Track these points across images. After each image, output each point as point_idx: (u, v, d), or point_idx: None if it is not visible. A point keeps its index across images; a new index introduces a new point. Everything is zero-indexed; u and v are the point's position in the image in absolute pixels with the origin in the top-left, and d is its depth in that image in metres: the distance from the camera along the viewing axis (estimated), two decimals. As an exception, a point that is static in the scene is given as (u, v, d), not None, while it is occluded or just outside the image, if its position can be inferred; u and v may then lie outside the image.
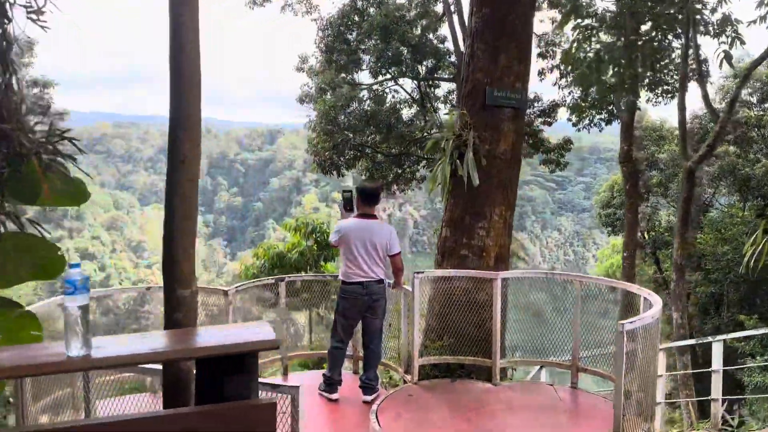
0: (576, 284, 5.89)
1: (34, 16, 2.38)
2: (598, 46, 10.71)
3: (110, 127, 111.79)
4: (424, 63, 16.73)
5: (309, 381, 6.33)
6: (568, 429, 5.24)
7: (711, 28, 12.95)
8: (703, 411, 11.48)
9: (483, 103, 6.39)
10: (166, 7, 2.60)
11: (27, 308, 2.84)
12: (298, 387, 3.58)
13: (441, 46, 16.43)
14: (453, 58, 15.96)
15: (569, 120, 17.87)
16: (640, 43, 13.34)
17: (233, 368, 2.43)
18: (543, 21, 20.41)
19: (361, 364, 6.29)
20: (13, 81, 2.48)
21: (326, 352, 6.15)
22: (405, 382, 6.13)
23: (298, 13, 16.46)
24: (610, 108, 17.03)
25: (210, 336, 2.53)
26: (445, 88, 17.54)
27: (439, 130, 6.62)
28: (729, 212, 18.59)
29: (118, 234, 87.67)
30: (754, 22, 9.48)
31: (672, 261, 13.50)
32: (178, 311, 2.71)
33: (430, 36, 16.46)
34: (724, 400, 7.18)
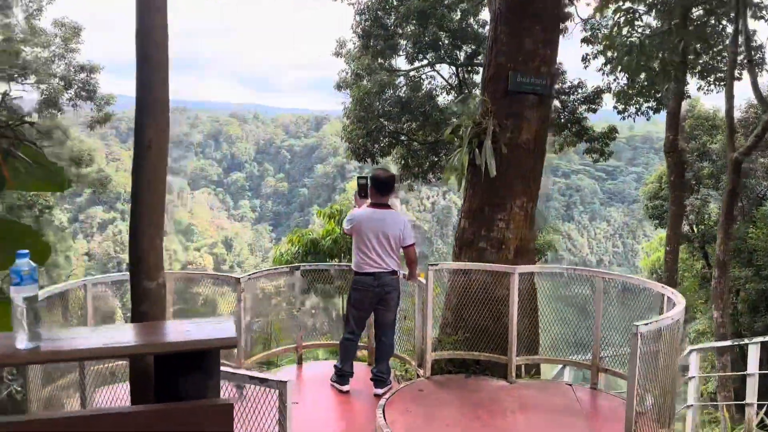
0: (598, 281, 5.62)
1: None
2: (642, 30, 10.25)
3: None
4: (464, 48, 16.38)
5: (324, 371, 6.23)
6: (582, 432, 5.01)
7: (766, 12, 12.25)
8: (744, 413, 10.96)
9: (505, 89, 6.12)
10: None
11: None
12: (285, 382, 3.48)
13: (482, 30, 16.03)
14: (493, 44, 15.53)
15: (615, 108, 17.27)
16: (690, 28, 12.74)
17: (191, 366, 2.33)
18: (589, 4, 19.70)
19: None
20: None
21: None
22: (418, 376, 5.98)
23: (337, -3, 16.29)
24: (658, 96, 16.37)
25: (167, 331, 2.43)
26: (484, 74, 17.12)
27: (457, 117, 6.39)
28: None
29: (168, 217, 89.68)
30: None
31: (714, 257, 12.90)
32: (144, 304, 2.62)
33: (471, 20, 16.08)
34: (761, 405, 6.78)
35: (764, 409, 6.98)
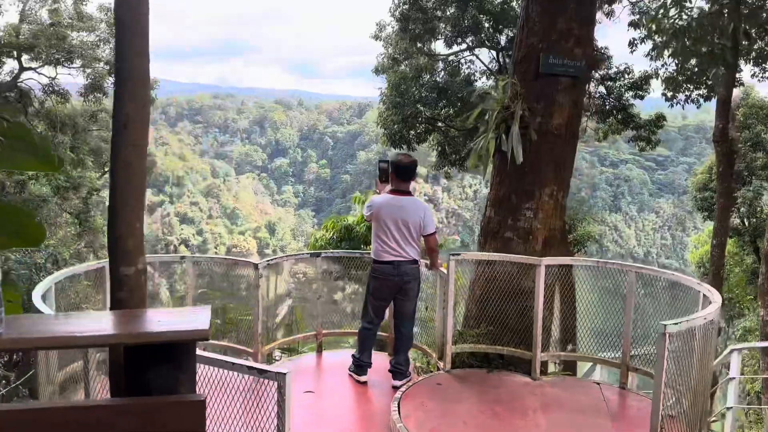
0: (630, 275, 5.31)
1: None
2: (692, 13, 9.70)
3: (209, 98, 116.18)
4: (505, 32, 15.91)
5: (344, 360, 6.09)
6: (607, 434, 4.74)
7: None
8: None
9: (536, 71, 5.81)
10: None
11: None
12: (285, 374, 3.31)
13: (524, 14, 15.52)
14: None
15: (663, 95, 16.57)
16: (746, 12, 12.02)
17: (161, 358, 2.18)
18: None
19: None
20: None
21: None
22: (438, 369, 5.79)
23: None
24: (709, 83, 15.60)
25: (138, 321, 2.30)
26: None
27: (483, 100, 6.11)
28: None
29: (215, 201, 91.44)
30: None
31: (762, 252, 12.25)
32: (122, 290, 2.49)
33: (512, 2, 15.61)
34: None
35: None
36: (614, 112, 15.90)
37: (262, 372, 3.40)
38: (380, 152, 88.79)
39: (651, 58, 15.70)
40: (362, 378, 5.72)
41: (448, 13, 14.95)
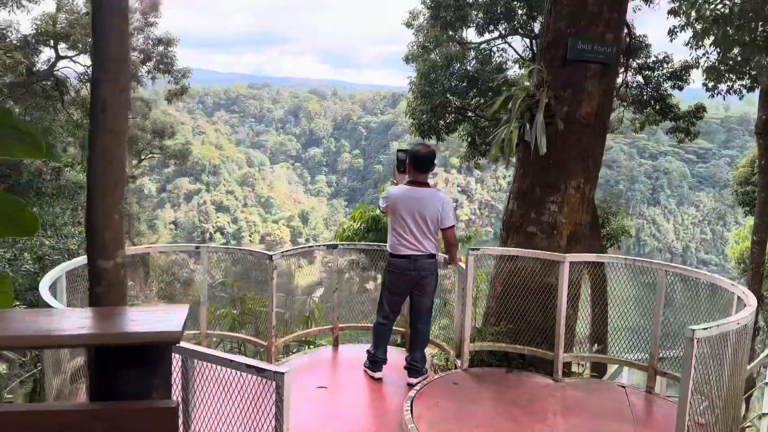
0: (660, 274, 5.02)
1: None
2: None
3: (245, 87, 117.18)
4: (539, 19, 15.47)
5: (361, 355, 5.93)
6: (631, 441, 4.48)
7: None
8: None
9: (564, 57, 5.51)
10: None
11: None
12: (283, 373, 3.16)
13: (559, 0, 15.07)
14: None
15: (704, 85, 15.93)
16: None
17: (129, 361, 2.04)
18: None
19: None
20: None
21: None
22: (456, 367, 5.58)
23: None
24: (753, 73, 14.93)
25: (108, 320, 2.16)
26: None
27: (507, 87, 5.84)
28: None
29: (250, 190, 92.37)
30: None
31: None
32: (99, 285, 2.35)
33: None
34: None
35: None
36: (652, 102, 15.37)
37: (260, 371, 3.26)
38: (413, 143, 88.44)
39: (691, 47, 15.10)
40: (377, 374, 5.56)
41: (480, -1, 14.62)
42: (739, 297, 4.21)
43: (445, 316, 6.10)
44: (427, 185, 5.28)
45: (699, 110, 15.63)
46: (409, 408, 4.71)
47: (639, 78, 15.71)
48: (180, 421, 3.58)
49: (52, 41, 20.32)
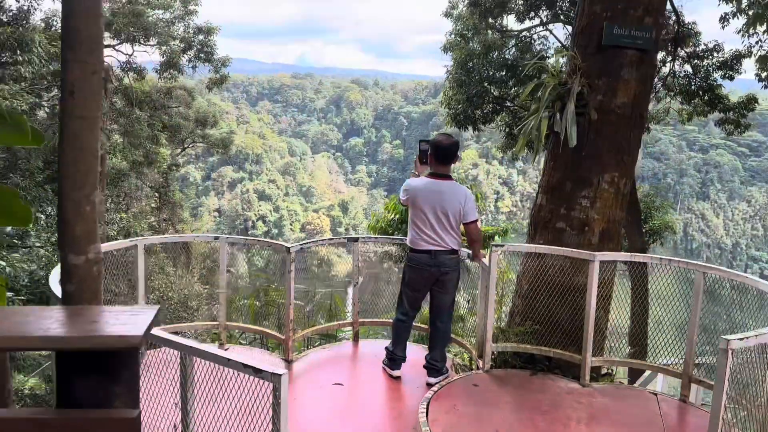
0: (698, 275, 4.67)
1: None
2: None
3: (288, 77, 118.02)
4: (582, 6, 14.93)
5: (381, 351, 5.74)
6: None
7: None
8: None
9: (599, 42, 5.16)
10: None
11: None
12: (280, 375, 2.99)
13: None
14: None
15: (757, 75, 15.15)
16: None
17: (89, 367, 1.88)
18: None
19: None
20: None
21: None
22: (478, 368, 5.35)
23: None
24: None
25: (67, 322, 2.01)
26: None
27: (538, 75, 5.53)
28: None
29: (291, 179, 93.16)
30: None
31: None
32: (70, 283, 2.21)
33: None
34: None
35: None
36: (700, 93, 14.69)
37: (257, 371, 3.09)
38: (454, 133, 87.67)
39: (744, 35, 14.35)
40: (395, 372, 5.37)
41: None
42: (783, 304, 3.87)
43: (474, 314, 5.85)
44: (449, 178, 5.04)
45: (750, 102, 14.88)
46: (425, 410, 4.50)
47: (687, 67, 15.04)
48: (179, 419, 3.46)
49: (95, 30, 20.62)
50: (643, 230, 14.23)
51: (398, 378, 5.36)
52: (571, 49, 5.41)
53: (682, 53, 15.04)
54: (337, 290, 8.43)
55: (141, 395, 3.61)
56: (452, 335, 5.95)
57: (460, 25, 15.18)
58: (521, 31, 15.48)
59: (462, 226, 5.06)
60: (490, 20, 15.12)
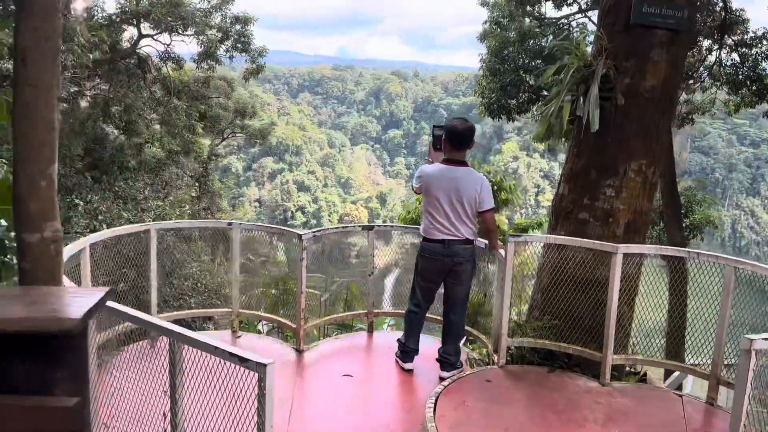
0: (728, 271, 4.36)
1: None
2: None
3: (329, 69, 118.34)
4: (623, -8, 14.39)
5: (395, 342, 5.57)
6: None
7: None
8: None
9: (627, 21, 4.86)
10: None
11: None
12: (266, 365, 2.85)
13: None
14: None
15: (811, 64, 14.39)
16: None
17: (22, 351, 1.77)
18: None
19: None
20: None
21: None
22: (493, 363, 5.13)
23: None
24: None
25: (7, 303, 1.89)
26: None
27: (561, 56, 5.25)
28: None
29: (330, 170, 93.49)
30: None
31: None
32: (24, 261, 2.11)
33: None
34: None
35: None
36: (748, 82, 14.03)
37: (243, 360, 2.95)
38: (495, 126, 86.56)
39: (797, 20, 13.62)
40: (407, 365, 5.20)
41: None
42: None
43: (488, 307, 5.64)
44: (464, 164, 4.82)
45: (803, 91, 14.13)
46: (433, 405, 4.33)
47: (734, 56, 14.39)
48: (168, 408, 3.36)
49: (134, 20, 20.86)
50: (683, 225, 13.69)
51: (410, 371, 5.19)
52: (597, 29, 5.11)
53: (729, 41, 14.40)
54: (377, 282, 8.25)
55: (135, 383, 3.52)
56: (471, 328, 5.75)
57: (497, 12, 14.80)
58: (559, 18, 15.02)
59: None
60: (528, 7, 14.71)
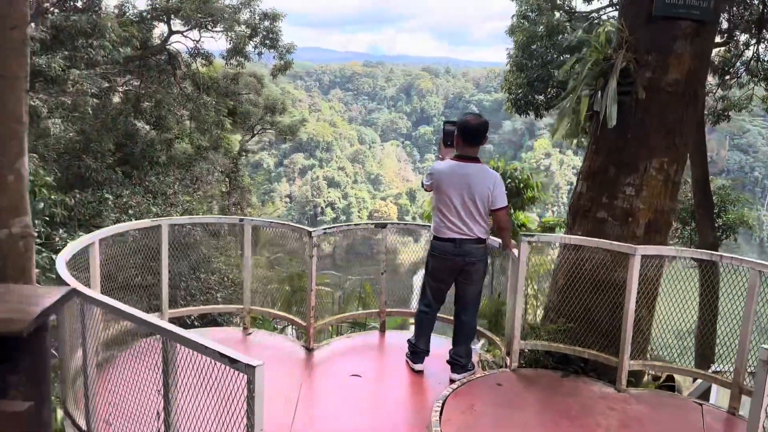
0: (752, 274, 4.14)
1: None
2: None
3: (360, 66, 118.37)
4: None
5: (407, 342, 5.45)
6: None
7: None
8: None
9: (650, 13, 4.65)
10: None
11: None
12: (255, 367, 2.77)
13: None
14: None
15: None
16: None
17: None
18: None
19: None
20: None
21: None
22: (505, 365, 4.98)
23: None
24: None
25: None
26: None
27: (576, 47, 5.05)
28: None
29: (360, 166, 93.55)
30: None
31: None
32: (-5, 256, 2.04)
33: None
34: None
35: None
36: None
37: (233, 361, 2.88)
38: (527, 122, 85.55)
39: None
40: (417, 366, 5.08)
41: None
42: None
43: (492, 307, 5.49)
44: (477, 160, 4.68)
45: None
46: (440, 408, 4.20)
47: (762, 48, 13.92)
48: (161, 407, 3.31)
49: (165, 16, 21.05)
50: (716, 225, 13.26)
51: (420, 372, 5.07)
52: (618, 21, 4.91)
53: (767, 36, 13.91)
54: (404, 279, 8.12)
55: (129, 382, 3.45)
56: (485, 329, 5.61)
57: (525, 6, 14.53)
58: (590, 12, 14.68)
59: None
60: (558, 1, 14.41)
